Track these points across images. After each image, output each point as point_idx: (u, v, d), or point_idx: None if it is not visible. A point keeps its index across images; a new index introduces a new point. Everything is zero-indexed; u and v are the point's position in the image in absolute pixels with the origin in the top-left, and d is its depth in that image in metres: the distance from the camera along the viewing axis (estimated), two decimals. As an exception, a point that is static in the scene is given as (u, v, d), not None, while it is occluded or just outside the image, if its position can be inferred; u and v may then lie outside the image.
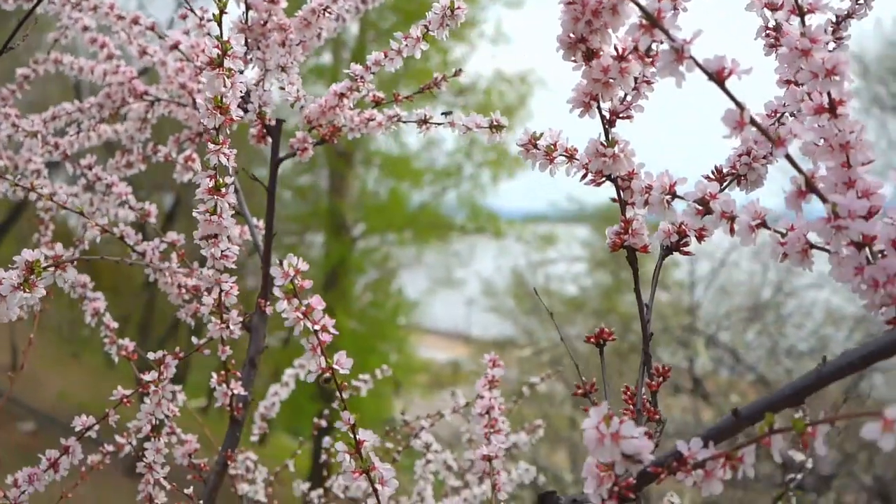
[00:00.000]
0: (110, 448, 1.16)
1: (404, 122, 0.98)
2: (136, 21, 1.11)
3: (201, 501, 1.01)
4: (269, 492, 1.37)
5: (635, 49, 0.58)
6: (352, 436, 0.67)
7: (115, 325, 1.11)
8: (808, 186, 0.53)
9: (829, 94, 0.55)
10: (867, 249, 0.53)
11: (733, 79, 0.53)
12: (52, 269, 0.67)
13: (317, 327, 0.64)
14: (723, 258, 6.47)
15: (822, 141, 0.57)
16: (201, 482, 1.03)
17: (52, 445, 0.99)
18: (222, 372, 0.99)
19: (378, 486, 0.66)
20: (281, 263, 0.63)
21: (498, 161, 11.81)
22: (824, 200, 0.53)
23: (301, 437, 2.04)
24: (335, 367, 0.65)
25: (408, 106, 1.03)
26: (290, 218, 12.28)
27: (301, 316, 0.64)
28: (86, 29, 1.23)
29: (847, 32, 0.75)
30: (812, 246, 0.56)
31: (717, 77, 0.52)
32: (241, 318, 0.94)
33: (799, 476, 1.12)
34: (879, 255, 0.54)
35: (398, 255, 12.21)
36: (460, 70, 1.02)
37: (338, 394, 0.66)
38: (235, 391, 0.99)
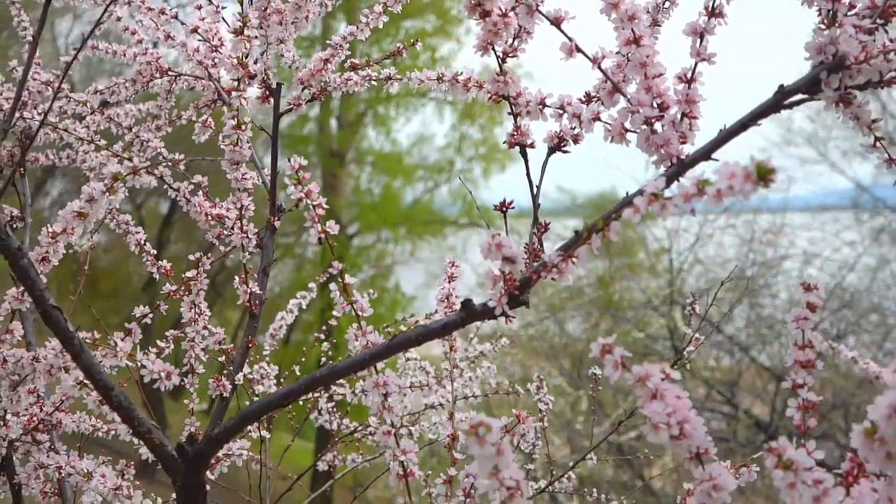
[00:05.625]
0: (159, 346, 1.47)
1: (374, 80, 1.30)
2: (162, 11, 1.42)
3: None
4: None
5: (513, 9, 0.90)
6: (341, 280, 0.98)
7: (154, 251, 1.42)
8: (615, 88, 0.85)
9: (632, 31, 0.87)
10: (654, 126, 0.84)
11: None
12: (130, 175, 0.98)
13: (315, 203, 0.95)
14: (698, 233, 6.82)
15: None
16: (230, 363, 1.34)
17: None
18: (243, 275, 1.30)
19: (359, 313, 0.98)
20: (289, 159, 0.94)
21: (488, 155, 12.13)
22: (625, 96, 0.84)
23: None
24: (328, 229, 0.96)
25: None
26: (286, 218, 12.56)
27: (303, 196, 0.95)
28: (119, 19, 1.54)
29: None
30: (627, 130, 0.88)
31: (556, 21, 0.84)
32: (256, 230, 1.25)
33: (693, 347, 1.44)
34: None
35: (393, 252, 12.51)
36: (416, 40, 1.34)
37: (328, 247, 0.97)
38: (253, 290, 1.30)
